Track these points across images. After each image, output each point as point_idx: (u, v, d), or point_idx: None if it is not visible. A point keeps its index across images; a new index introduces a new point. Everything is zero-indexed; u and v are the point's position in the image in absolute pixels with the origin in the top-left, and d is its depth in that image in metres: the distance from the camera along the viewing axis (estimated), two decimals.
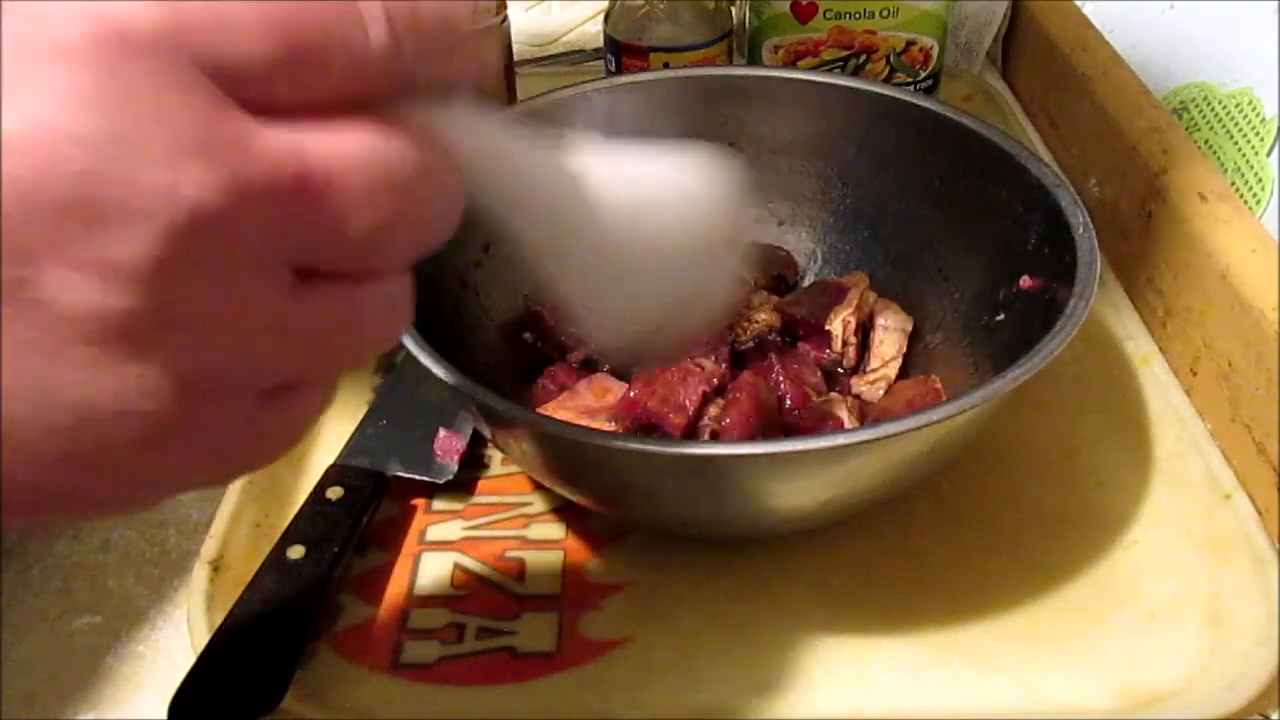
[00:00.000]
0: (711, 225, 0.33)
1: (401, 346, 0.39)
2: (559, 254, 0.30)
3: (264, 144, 0.20)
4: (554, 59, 0.81)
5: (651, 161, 0.32)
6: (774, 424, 0.45)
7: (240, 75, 0.20)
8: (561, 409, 0.46)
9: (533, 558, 0.44)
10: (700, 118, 0.55)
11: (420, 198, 0.23)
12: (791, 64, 0.66)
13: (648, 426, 0.44)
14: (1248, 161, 0.50)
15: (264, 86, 0.20)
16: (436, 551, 0.44)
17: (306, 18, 0.20)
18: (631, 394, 0.45)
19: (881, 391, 0.48)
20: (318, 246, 0.21)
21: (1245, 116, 0.51)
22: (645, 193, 0.31)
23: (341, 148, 0.21)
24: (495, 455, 0.48)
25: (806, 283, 0.55)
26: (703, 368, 0.46)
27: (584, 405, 0.46)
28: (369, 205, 0.21)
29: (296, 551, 0.41)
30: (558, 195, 0.28)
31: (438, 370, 0.38)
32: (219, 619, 0.39)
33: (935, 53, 0.66)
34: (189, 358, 0.20)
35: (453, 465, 0.46)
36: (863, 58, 0.66)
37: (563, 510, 0.46)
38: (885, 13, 0.64)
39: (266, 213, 0.20)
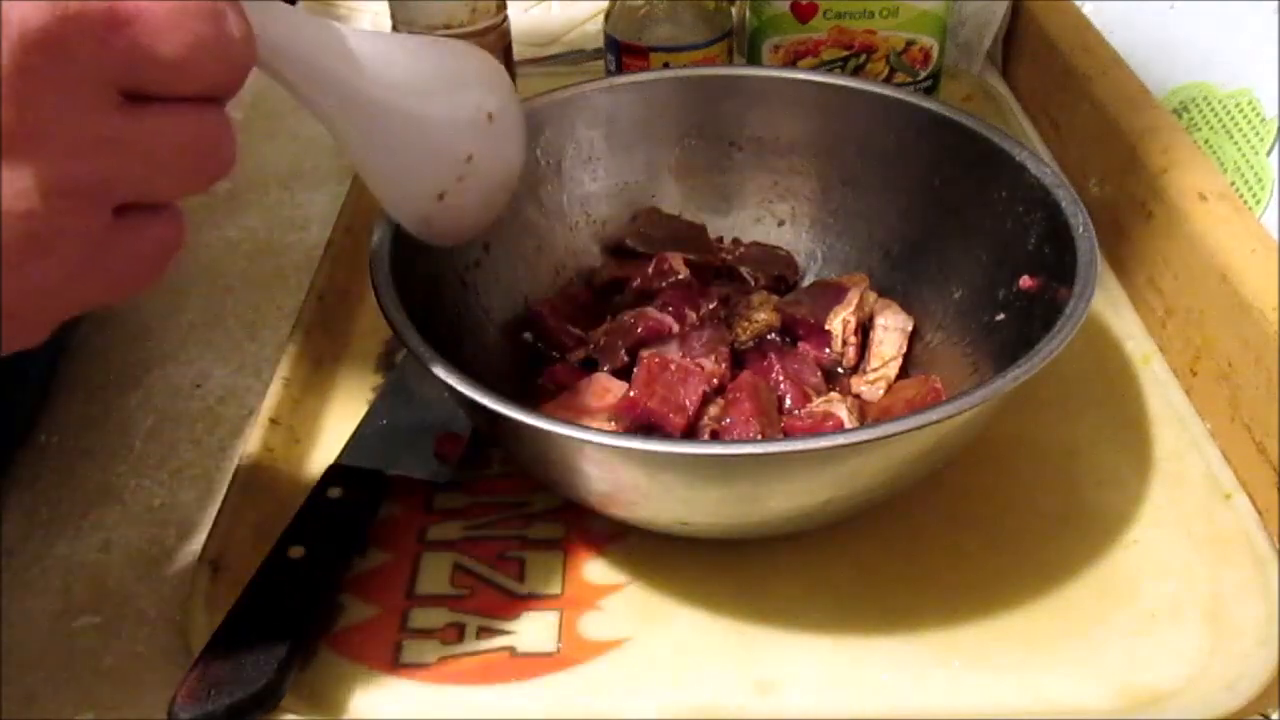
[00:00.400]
0: (476, 86, 0.39)
1: (402, 346, 0.39)
2: (336, 120, 0.35)
3: None
4: (554, 59, 0.81)
5: (410, 38, 0.39)
6: (774, 424, 0.45)
7: None
8: (561, 409, 0.46)
9: (533, 558, 0.44)
10: (700, 118, 0.55)
11: (217, 31, 0.27)
12: (791, 64, 0.66)
13: (648, 426, 0.44)
14: (1248, 161, 0.50)
15: None
16: (436, 551, 0.44)
17: None
18: (631, 394, 0.45)
19: (881, 391, 0.48)
20: (136, 68, 0.26)
21: (1245, 116, 0.51)
22: (406, 54, 0.37)
23: None
24: (495, 455, 0.48)
25: (806, 283, 0.55)
26: (703, 368, 0.46)
27: (584, 405, 0.46)
28: (171, 29, 0.26)
29: (296, 551, 0.41)
30: (330, 52, 0.34)
31: (438, 370, 0.38)
32: (219, 619, 0.39)
33: (935, 53, 0.66)
34: (48, 165, 0.26)
35: (453, 465, 0.46)
36: (863, 58, 0.66)
37: (563, 510, 0.46)
38: (885, 13, 0.64)
39: (87, 37, 0.25)
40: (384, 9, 0.63)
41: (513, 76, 0.64)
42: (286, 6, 0.33)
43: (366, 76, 0.35)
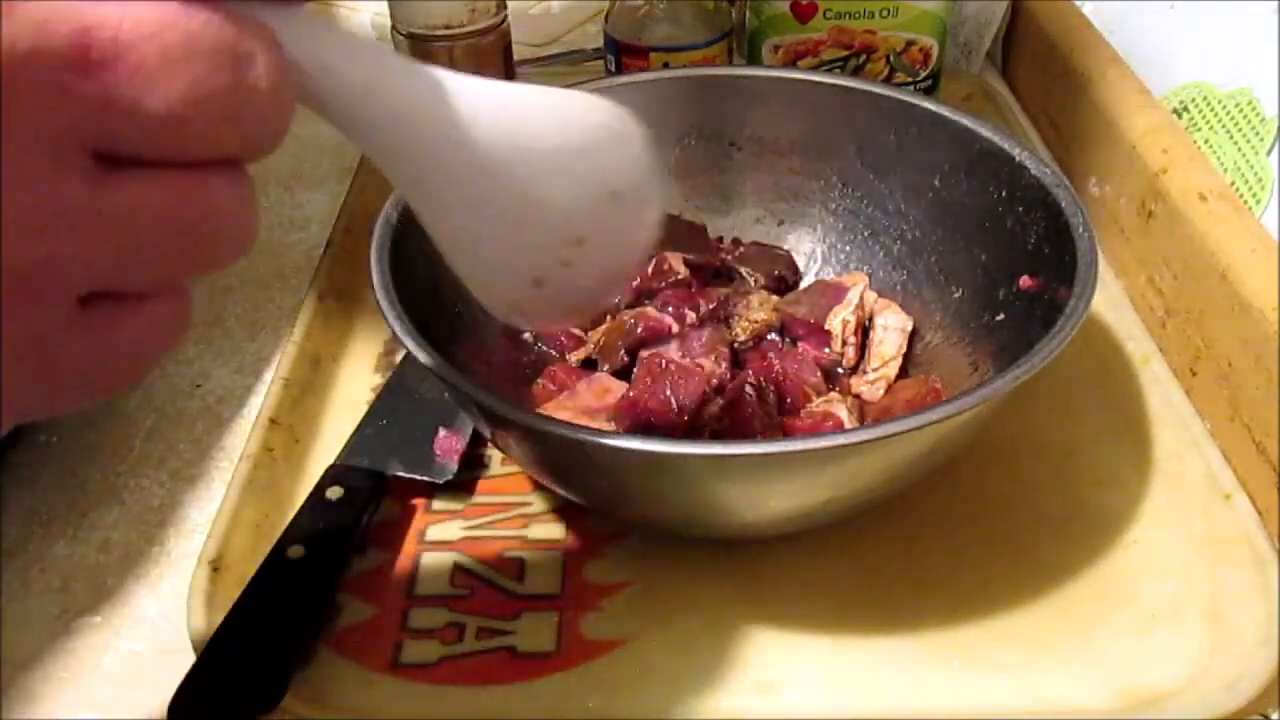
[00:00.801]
0: (604, 157, 0.31)
1: (401, 346, 0.39)
2: (422, 181, 0.28)
3: (31, 12, 0.18)
4: (554, 59, 0.80)
5: (533, 89, 0.29)
6: (774, 424, 0.45)
7: None
8: (561, 409, 0.46)
9: (532, 558, 0.44)
10: (700, 118, 0.55)
11: (233, 80, 0.21)
12: (791, 64, 0.66)
13: (648, 426, 0.44)
14: (1247, 161, 0.50)
15: None
16: (436, 551, 0.44)
17: None
18: (631, 394, 0.45)
19: (881, 391, 0.48)
20: (115, 125, 0.20)
21: (1245, 116, 0.51)
22: (522, 110, 0.29)
23: (131, 12, 0.19)
24: (495, 455, 0.48)
25: (806, 283, 0.55)
26: (702, 368, 0.46)
27: (584, 405, 0.46)
28: (166, 76, 0.20)
29: (296, 551, 0.41)
30: (416, 107, 0.26)
31: (438, 370, 0.38)
32: (219, 619, 0.39)
33: (935, 52, 0.66)
34: None
35: (453, 465, 0.46)
36: (862, 58, 0.66)
37: (563, 510, 0.46)
38: (885, 13, 0.64)
39: (46, 85, 0.19)
40: (384, 9, 0.63)
41: (513, 77, 0.64)
42: (348, 35, 0.25)
43: (458, 131, 0.27)
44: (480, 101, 0.27)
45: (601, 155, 0.31)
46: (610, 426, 0.45)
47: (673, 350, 0.48)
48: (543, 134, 0.29)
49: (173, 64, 0.20)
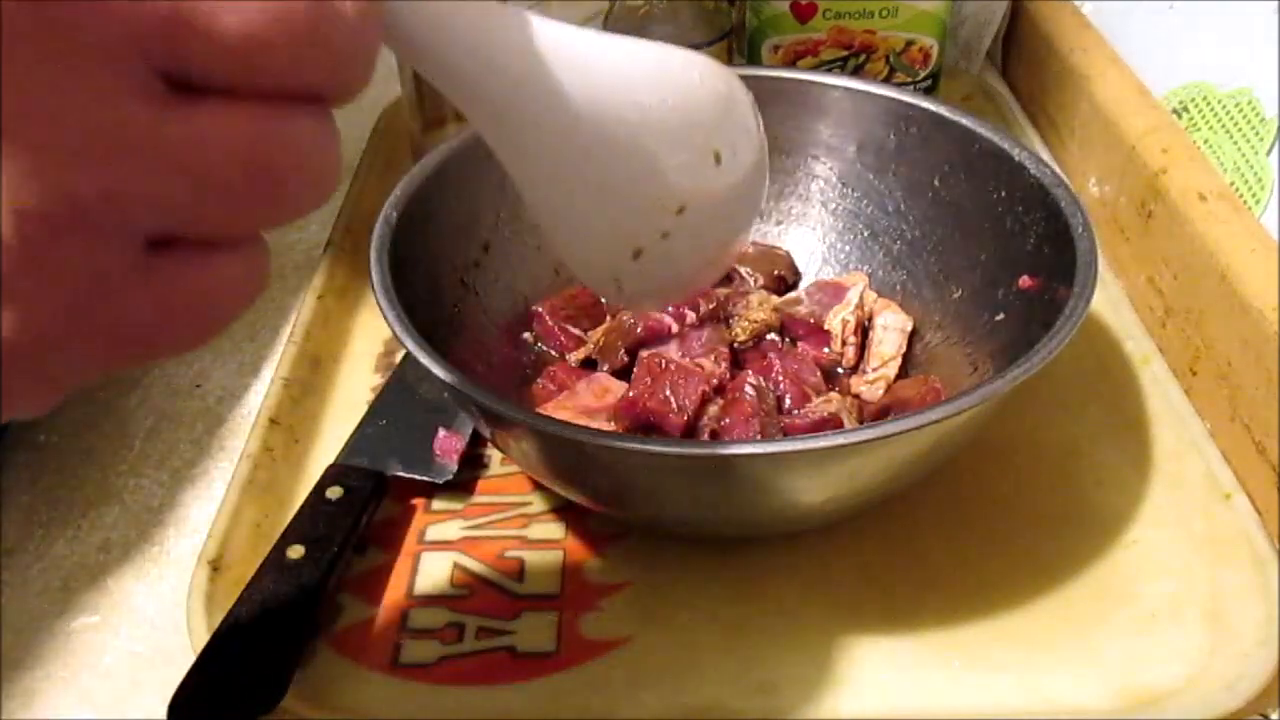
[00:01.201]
0: (706, 116, 0.29)
1: (401, 346, 0.39)
2: (521, 147, 0.26)
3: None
4: None
5: (636, 43, 0.28)
6: (774, 424, 0.45)
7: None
8: (561, 409, 0.46)
9: (532, 558, 0.44)
10: None
11: (312, 4, 0.19)
12: (791, 64, 0.66)
13: (648, 426, 0.44)
14: (1247, 161, 0.50)
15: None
16: (436, 551, 0.44)
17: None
18: (631, 394, 0.45)
19: (881, 391, 0.48)
20: (186, 43, 0.18)
21: (1245, 116, 0.51)
22: (627, 66, 0.27)
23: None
24: (495, 455, 0.48)
25: (806, 283, 0.55)
26: (702, 368, 0.46)
27: (584, 405, 0.46)
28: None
29: (296, 551, 0.41)
30: (521, 71, 0.24)
31: (438, 370, 0.38)
32: (219, 619, 0.39)
33: (935, 52, 0.66)
34: (49, 169, 0.18)
35: (452, 465, 0.46)
36: (862, 57, 0.66)
37: (562, 510, 0.46)
38: (885, 12, 0.64)
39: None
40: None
41: None
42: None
43: (562, 92, 0.25)
44: (585, 58, 0.26)
45: (703, 114, 0.29)
46: (610, 426, 0.45)
47: (672, 350, 0.48)
48: (646, 91, 0.27)
49: None
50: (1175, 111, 0.57)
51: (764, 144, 0.31)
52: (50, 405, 0.22)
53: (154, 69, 0.18)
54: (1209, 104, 0.54)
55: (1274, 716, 0.38)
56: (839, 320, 0.50)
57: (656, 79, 0.28)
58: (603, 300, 0.33)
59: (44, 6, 0.17)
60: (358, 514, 0.44)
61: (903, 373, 0.49)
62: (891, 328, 0.50)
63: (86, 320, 0.20)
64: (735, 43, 0.67)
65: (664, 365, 0.45)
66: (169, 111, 0.19)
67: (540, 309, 0.51)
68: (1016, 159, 0.47)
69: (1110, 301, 0.56)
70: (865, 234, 0.54)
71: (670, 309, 0.50)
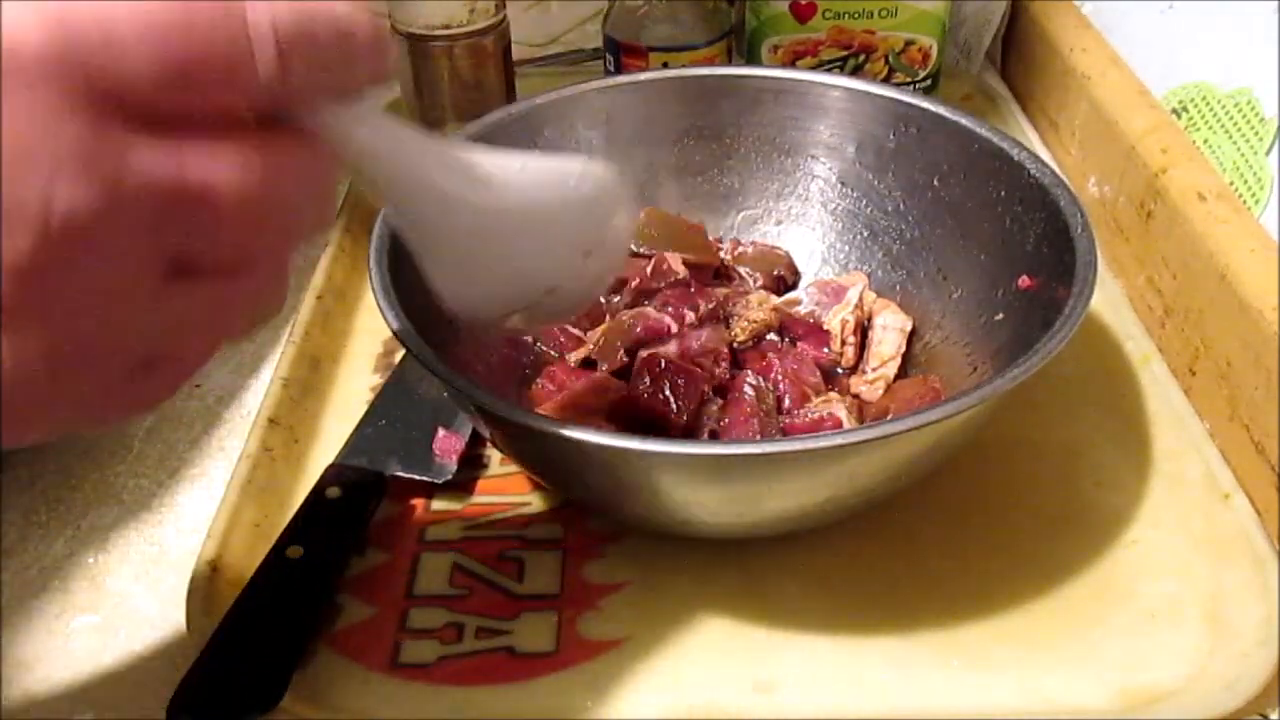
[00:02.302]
0: (586, 222, 0.35)
1: (401, 346, 0.39)
2: (425, 239, 0.32)
3: (140, 159, 0.22)
4: (553, 59, 0.81)
5: (528, 161, 0.34)
6: (773, 424, 0.45)
7: (125, 93, 0.21)
8: (561, 409, 0.46)
9: (531, 557, 0.44)
10: (699, 118, 0.55)
11: (294, 205, 0.24)
12: (790, 64, 0.66)
13: (647, 426, 0.44)
14: (1247, 161, 0.50)
15: (149, 103, 0.22)
16: (435, 551, 0.44)
17: (192, 43, 0.21)
18: (631, 394, 0.45)
19: (880, 391, 0.48)
20: (192, 246, 0.23)
21: (1244, 116, 0.51)
22: (530, 174, 0.33)
23: (218, 162, 0.23)
24: (494, 455, 0.48)
25: (805, 283, 0.55)
26: (702, 368, 0.46)
27: (583, 405, 0.46)
28: (240, 214, 0.23)
29: (296, 551, 0.41)
30: (432, 185, 0.30)
31: (438, 371, 0.38)
32: (218, 619, 0.39)
33: (934, 52, 0.66)
34: (60, 333, 0.23)
35: (452, 465, 0.46)
36: (862, 58, 0.66)
37: (562, 510, 0.46)
38: (884, 12, 0.64)
39: (140, 220, 0.22)
40: (384, 8, 0.63)
41: (512, 76, 0.64)
42: (393, 124, 0.29)
43: (459, 205, 0.31)
44: (481, 172, 0.31)
45: (583, 221, 0.35)
46: (610, 426, 0.45)
47: (672, 350, 0.48)
48: (533, 201, 0.33)
49: (247, 206, 0.23)
50: (1175, 111, 0.57)
51: (626, 235, 0.39)
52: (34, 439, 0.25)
53: (164, 258, 0.23)
54: (1209, 104, 0.54)
55: (1274, 716, 0.38)
56: (838, 320, 0.50)
57: (547, 192, 0.34)
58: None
59: (93, 232, 0.21)
60: (357, 514, 0.44)
61: (902, 373, 0.49)
62: (891, 328, 0.50)
63: (82, 411, 0.25)
64: (735, 43, 0.67)
65: (663, 365, 0.45)
66: (167, 288, 0.23)
67: None
68: (1016, 159, 0.47)
69: (1110, 301, 0.56)
70: (865, 234, 0.54)
71: (670, 309, 0.50)
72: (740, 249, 0.55)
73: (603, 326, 0.51)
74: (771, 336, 0.51)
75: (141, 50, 0.21)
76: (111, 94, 0.21)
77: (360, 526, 0.44)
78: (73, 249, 0.21)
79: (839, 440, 0.36)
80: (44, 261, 0.21)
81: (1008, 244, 0.47)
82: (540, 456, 0.41)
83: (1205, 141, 0.54)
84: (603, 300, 0.53)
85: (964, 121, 0.49)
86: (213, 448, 0.51)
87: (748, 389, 0.45)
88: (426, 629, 0.41)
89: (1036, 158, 0.46)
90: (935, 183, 0.51)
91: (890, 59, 0.66)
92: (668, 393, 0.44)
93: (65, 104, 0.21)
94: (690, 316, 0.50)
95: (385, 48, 0.27)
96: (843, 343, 0.50)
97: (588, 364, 0.50)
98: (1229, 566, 0.42)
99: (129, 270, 0.23)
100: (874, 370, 0.49)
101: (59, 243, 0.21)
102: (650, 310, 0.50)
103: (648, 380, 0.45)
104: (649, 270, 0.52)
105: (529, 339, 0.51)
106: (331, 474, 0.45)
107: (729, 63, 0.66)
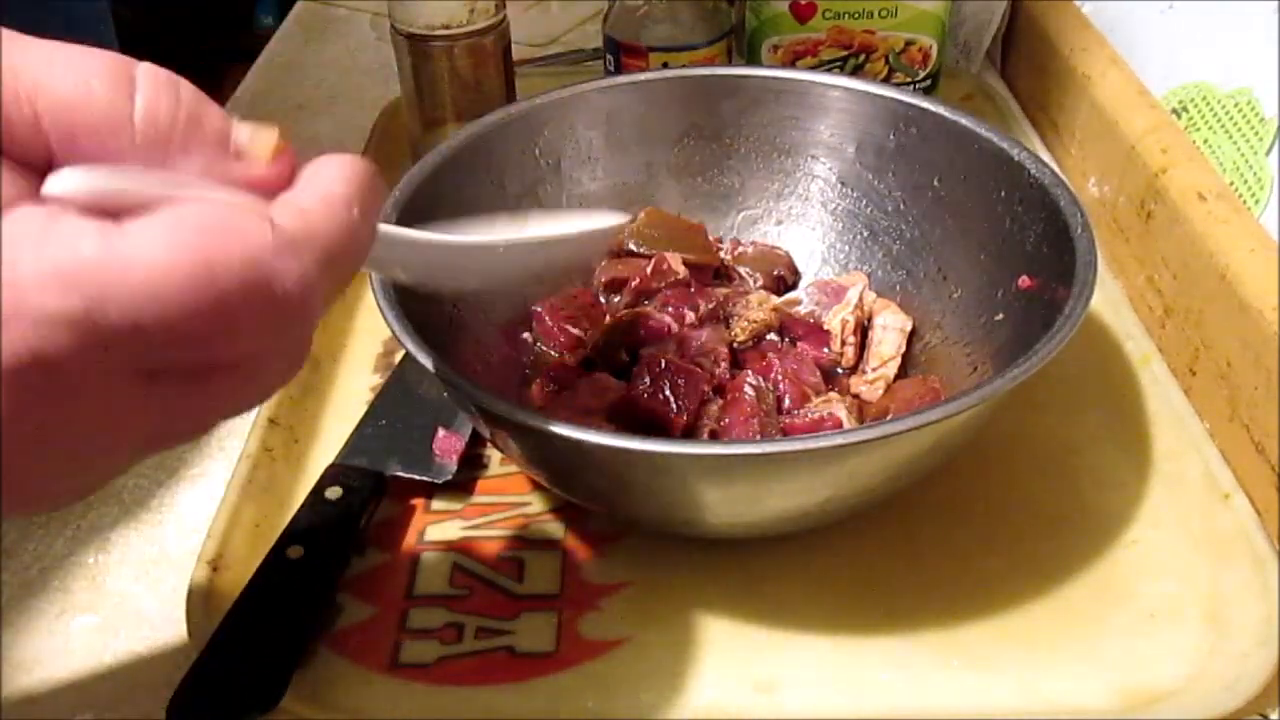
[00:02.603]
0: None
1: (401, 346, 0.39)
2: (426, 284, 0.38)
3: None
4: (553, 59, 0.81)
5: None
6: (773, 424, 0.45)
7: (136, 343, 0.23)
8: (561, 409, 0.46)
9: (531, 558, 0.44)
10: (699, 118, 0.55)
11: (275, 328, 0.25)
12: (790, 64, 0.66)
13: (648, 426, 0.44)
14: (1247, 161, 0.50)
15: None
16: (435, 551, 0.44)
17: (219, 315, 0.23)
18: (631, 394, 0.45)
19: (880, 391, 0.48)
20: (171, 362, 0.24)
21: (1244, 116, 0.51)
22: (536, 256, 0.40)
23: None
24: (494, 455, 0.48)
25: (805, 283, 0.55)
26: (702, 368, 0.46)
27: (583, 405, 0.46)
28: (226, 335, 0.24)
29: (296, 551, 0.41)
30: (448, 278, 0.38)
31: (437, 370, 0.38)
32: (218, 619, 0.39)
33: (934, 52, 0.66)
34: (43, 430, 0.23)
35: (452, 465, 0.46)
36: (861, 57, 0.66)
37: (562, 510, 0.46)
38: (884, 12, 0.64)
39: (121, 362, 0.23)
40: (384, 9, 0.63)
41: (512, 76, 0.64)
42: (413, 237, 0.34)
43: (452, 276, 0.38)
44: (463, 258, 0.37)
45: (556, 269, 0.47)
46: (610, 426, 0.45)
47: (672, 350, 0.48)
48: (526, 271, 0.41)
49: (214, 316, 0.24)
50: (1175, 111, 0.57)
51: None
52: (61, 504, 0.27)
53: (143, 371, 0.24)
54: (1209, 104, 0.54)
55: (1274, 716, 0.38)
56: (838, 320, 0.50)
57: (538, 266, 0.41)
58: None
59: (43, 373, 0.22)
60: (357, 514, 0.44)
61: (902, 373, 0.49)
62: (891, 328, 0.50)
63: (71, 487, 0.26)
64: (734, 43, 0.67)
65: (664, 365, 0.45)
66: (146, 391, 0.24)
67: (540, 309, 0.51)
68: (1016, 159, 0.47)
69: (1110, 301, 0.56)
70: (865, 234, 0.54)
71: (670, 309, 0.50)
72: (740, 249, 0.55)
73: (604, 326, 0.51)
74: (771, 336, 0.51)
75: (162, 321, 0.22)
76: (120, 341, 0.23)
77: (360, 526, 0.44)
78: (39, 381, 0.22)
79: (839, 440, 0.36)
80: (26, 373, 0.22)
81: (1008, 244, 0.47)
82: (540, 456, 0.41)
83: (1205, 141, 0.54)
84: (603, 300, 0.53)
85: (964, 121, 0.49)
86: (213, 448, 0.51)
87: (748, 389, 0.45)
88: (426, 629, 0.41)
89: (1036, 158, 0.46)
90: (935, 183, 0.51)
91: (890, 59, 0.66)
92: (668, 393, 0.44)
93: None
94: (690, 316, 0.50)
95: (382, 188, 0.29)
96: (843, 343, 0.50)
97: (588, 364, 0.50)
98: (1229, 566, 0.42)
99: (114, 380, 0.23)
100: (874, 370, 0.49)
101: (19, 378, 0.22)
102: (650, 310, 0.50)
103: (648, 380, 0.45)
104: (649, 270, 0.52)
105: (529, 339, 0.51)
106: (331, 474, 0.45)
107: (729, 63, 0.66)
